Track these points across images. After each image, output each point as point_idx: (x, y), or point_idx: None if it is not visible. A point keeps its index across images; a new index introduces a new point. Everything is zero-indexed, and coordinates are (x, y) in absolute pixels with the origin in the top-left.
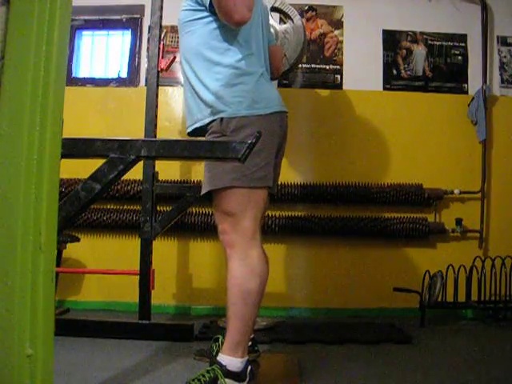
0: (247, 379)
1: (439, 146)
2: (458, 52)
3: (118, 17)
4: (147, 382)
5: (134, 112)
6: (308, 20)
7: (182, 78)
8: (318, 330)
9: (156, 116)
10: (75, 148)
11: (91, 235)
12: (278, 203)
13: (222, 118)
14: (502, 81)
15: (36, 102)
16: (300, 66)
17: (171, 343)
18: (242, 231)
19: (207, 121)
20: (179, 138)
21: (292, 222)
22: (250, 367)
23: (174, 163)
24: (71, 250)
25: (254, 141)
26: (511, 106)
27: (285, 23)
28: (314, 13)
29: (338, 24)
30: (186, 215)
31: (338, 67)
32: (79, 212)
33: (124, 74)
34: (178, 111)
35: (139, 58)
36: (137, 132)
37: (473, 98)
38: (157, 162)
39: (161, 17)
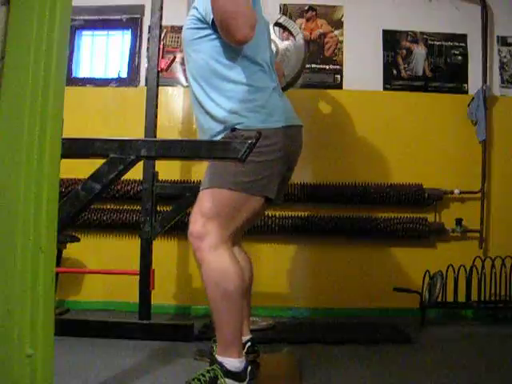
0: (247, 379)
1: (439, 146)
2: (457, 52)
3: (117, 17)
4: (147, 382)
5: (134, 112)
6: (308, 20)
7: (184, 82)
8: (318, 330)
9: (156, 116)
10: (75, 148)
11: (91, 235)
12: None
13: (234, 129)
14: (502, 81)
15: (36, 102)
16: None
17: (171, 343)
18: (219, 235)
19: (221, 136)
20: (179, 138)
21: (292, 221)
22: (249, 367)
23: (174, 163)
24: (71, 250)
25: (253, 141)
26: (511, 105)
27: (287, 39)
28: (313, 13)
29: (338, 24)
30: (186, 215)
31: (338, 67)
32: (79, 212)
33: (124, 74)
34: (177, 111)
35: (139, 58)
36: (137, 132)
37: (473, 98)
38: (157, 162)
39: (161, 17)
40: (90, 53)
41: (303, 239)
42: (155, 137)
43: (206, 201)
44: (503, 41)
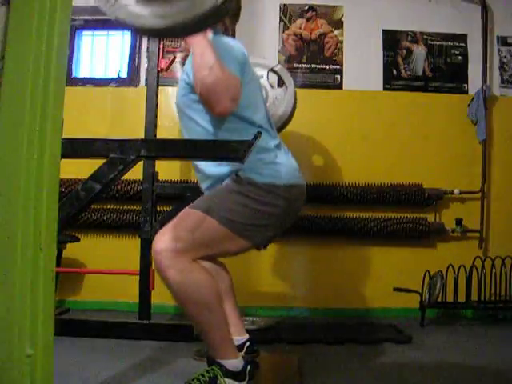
0: (247, 379)
1: (439, 146)
2: (457, 52)
3: None
4: (147, 382)
5: (134, 112)
6: (308, 20)
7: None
8: (317, 329)
9: (156, 116)
10: (75, 148)
11: (91, 235)
12: None
13: (237, 174)
14: (502, 81)
15: (36, 102)
16: (300, 65)
17: (171, 343)
18: (185, 255)
19: (227, 179)
20: (179, 138)
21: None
22: (248, 367)
23: (174, 163)
24: (71, 250)
25: (253, 141)
26: (511, 105)
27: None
28: (313, 13)
29: (338, 24)
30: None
31: (338, 67)
32: (79, 212)
33: (124, 74)
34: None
35: (139, 58)
36: (137, 132)
37: (473, 98)
38: (157, 162)
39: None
40: (90, 53)
41: (303, 239)
42: (155, 137)
43: (189, 221)
44: (503, 41)
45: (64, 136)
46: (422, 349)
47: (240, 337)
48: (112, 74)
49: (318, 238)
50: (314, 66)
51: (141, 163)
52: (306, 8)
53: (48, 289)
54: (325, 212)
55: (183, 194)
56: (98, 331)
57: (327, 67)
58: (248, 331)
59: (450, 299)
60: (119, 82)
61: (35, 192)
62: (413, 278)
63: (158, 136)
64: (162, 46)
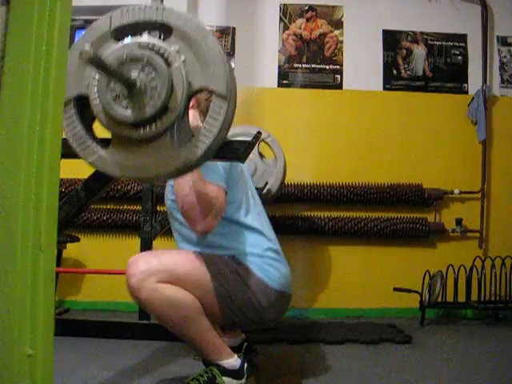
0: (245, 376)
1: (439, 145)
2: (457, 52)
3: None
4: (147, 382)
5: None
6: (308, 20)
7: None
8: (318, 330)
9: None
10: None
11: (91, 235)
12: (278, 203)
13: (233, 256)
14: (502, 81)
15: (36, 102)
16: (300, 65)
17: (171, 343)
18: (158, 279)
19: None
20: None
21: (292, 221)
22: (246, 364)
23: None
24: (71, 250)
25: (253, 141)
26: (511, 105)
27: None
28: (313, 13)
29: (338, 24)
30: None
31: (338, 67)
32: (79, 212)
33: None
34: None
35: None
36: None
37: (473, 98)
38: None
39: None
40: None
41: (303, 239)
42: None
43: (180, 255)
44: (503, 41)
45: (64, 136)
46: (422, 349)
47: (235, 338)
48: None
49: (317, 237)
50: (314, 65)
51: None
52: (306, 8)
53: (48, 289)
54: (325, 212)
55: None
56: (97, 331)
57: (327, 67)
58: (247, 331)
59: (450, 299)
60: None
61: (35, 192)
62: (413, 278)
63: None
64: None
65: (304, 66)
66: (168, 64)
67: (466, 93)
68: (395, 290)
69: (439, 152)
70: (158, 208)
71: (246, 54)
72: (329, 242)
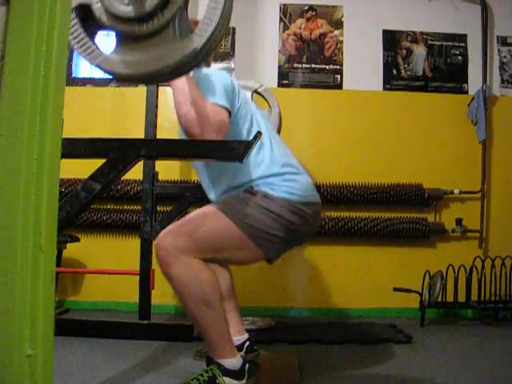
0: (246, 377)
1: (439, 145)
2: (457, 52)
3: None
4: (147, 382)
5: (134, 112)
6: (308, 20)
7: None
8: (317, 330)
9: (156, 116)
10: (75, 148)
11: (91, 235)
12: None
13: (252, 186)
14: (502, 81)
15: (36, 102)
16: (300, 65)
17: (171, 343)
18: (195, 254)
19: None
20: (179, 138)
21: None
22: (247, 365)
23: (174, 163)
24: (71, 250)
25: (253, 141)
26: (511, 105)
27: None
28: (314, 13)
29: (338, 24)
30: (186, 215)
31: (338, 67)
32: (79, 212)
33: None
34: None
35: None
36: (137, 132)
37: (473, 98)
38: (157, 162)
39: None
40: None
41: None
42: (155, 137)
43: (204, 219)
44: (503, 41)
45: (64, 136)
46: (422, 349)
47: (240, 336)
48: None
49: (317, 237)
50: (314, 66)
51: (141, 163)
52: (306, 8)
53: (48, 289)
54: (325, 212)
55: (183, 194)
56: (97, 331)
57: (327, 67)
58: (248, 331)
59: (450, 299)
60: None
61: (35, 192)
62: (413, 278)
63: (158, 136)
64: None
65: (304, 66)
66: None
67: (466, 93)
68: (395, 289)
69: (439, 152)
70: (157, 208)
71: (246, 54)
72: (329, 242)
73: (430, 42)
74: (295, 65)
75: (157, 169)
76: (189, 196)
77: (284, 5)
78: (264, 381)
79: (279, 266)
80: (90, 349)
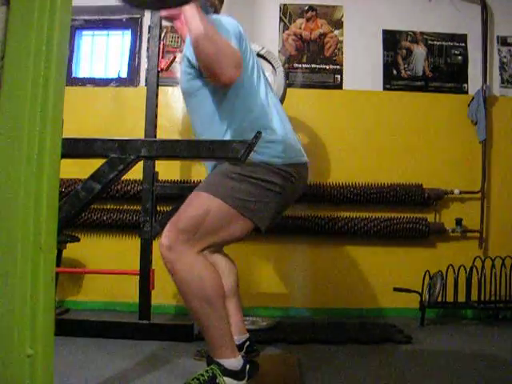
0: (246, 377)
1: (439, 145)
2: (458, 52)
3: (118, 17)
4: (147, 381)
5: (134, 112)
6: (308, 20)
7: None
8: (318, 330)
9: (156, 116)
10: (75, 148)
11: (91, 235)
12: None
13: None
14: (502, 81)
15: (36, 102)
16: (300, 65)
17: (171, 343)
18: (191, 246)
19: None
20: (179, 138)
21: (292, 222)
22: (248, 366)
23: (174, 163)
24: (71, 250)
25: (253, 141)
26: (511, 106)
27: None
28: (314, 13)
29: (338, 24)
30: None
31: (338, 67)
32: (79, 212)
33: (124, 74)
34: (178, 111)
35: (139, 58)
36: (137, 132)
37: (473, 98)
38: (157, 162)
39: (161, 17)
40: (90, 53)
41: (303, 239)
42: (155, 137)
43: (193, 206)
44: (503, 41)
45: (64, 136)
46: (422, 349)
47: (240, 336)
48: (112, 74)
49: (317, 237)
50: (314, 66)
51: (141, 163)
52: (306, 8)
53: (48, 289)
54: (325, 212)
55: (183, 194)
56: (97, 331)
57: (327, 67)
58: (248, 331)
59: (450, 299)
60: (119, 82)
61: (35, 192)
62: (413, 278)
63: (158, 136)
64: (162, 46)
65: (304, 66)
66: None
67: (466, 93)
68: (395, 289)
69: (439, 152)
70: (158, 208)
71: None
72: (329, 242)
73: (429, 42)
74: (295, 65)
75: (157, 169)
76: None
77: (284, 5)
78: (264, 381)
79: (279, 265)
80: (90, 349)
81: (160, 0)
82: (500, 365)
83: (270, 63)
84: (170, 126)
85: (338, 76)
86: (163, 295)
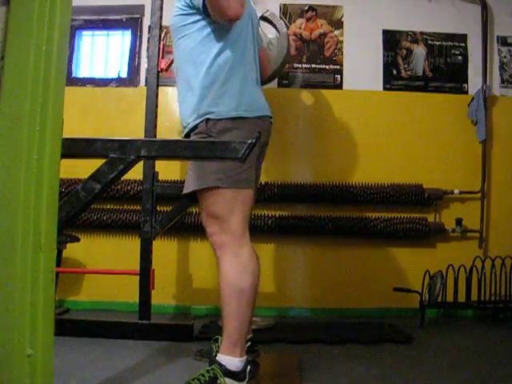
0: (247, 379)
1: (439, 145)
2: (457, 52)
3: (118, 17)
4: (147, 381)
5: (134, 112)
6: (308, 20)
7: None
8: (318, 330)
9: (156, 116)
10: (75, 148)
11: (91, 235)
12: (278, 203)
13: (207, 119)
14: (502, 81)
15: (36, 102)
16: (300, 65)
17: (171, 343)
18: (232, 232)
19: (196, 123)
20: (179, 138)
21: (292, 222)
22: (249, 367)
23: (174, 163)
24: (71, 250)
25: (253, 141)
26: (511, 105)
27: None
28: (314, 13)
29: (338, 24)
30: (186, 215)
31: (338, 67)
32: (79, 212)
33: (124, 74)
34: (178, 111)
35: (139, 58)
36: (137, 132)
37: (473, 98)
38: (157, 162)
39: (161, 17)
40: (90, 53)
41: (303, 239)
42: (155, 137)
43: (209, 204)
44: (503, 41)
45: (64, 136)
46: (422, 349)
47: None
48: (112, 73)
49: (318, 237)
50: (314, 66)
51: (141, 163)
52: (306, 8)
53: (48, 289)
54: (325, 212)
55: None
56: (98, 331)
57: (327, 67)
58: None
59: (450, 299)
60: (119, 81)
61: (35, 192)
62: (413, 278)
63: (158, 136)
64: (162, 46)
65: (304, 66)
66: None
67: (466, 93)
68: (395, 289)
69: (439, 152)
70: (158, 208)
71: None
72: (329, 242)
73: (429, 42)
74: (295, 65)
75: (157, 169)
76: (188, 196)
77: (284, 5)
78: (264, 381)
79: (279, 265)
80: (90, 349)
81: None
82: (500, 365)
83: (274, 25)
84: (169, 126)
85: (338, 76)
86: (163, 295)
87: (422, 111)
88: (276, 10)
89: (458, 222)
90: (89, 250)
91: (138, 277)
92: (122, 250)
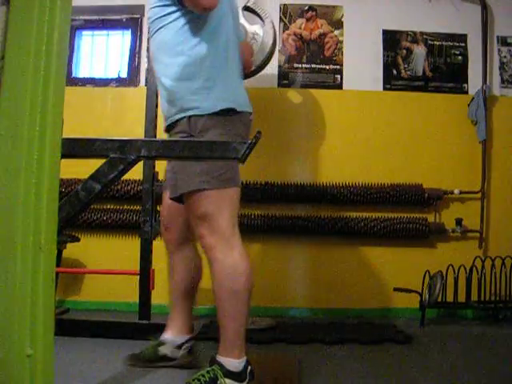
0: (247, 379)
1: (439, 146)
2: (457, 52)
3: (117, 17)
4: (147, 381)
5: (134, 112)
6: (308, 20)
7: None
8: (318, 330)
9: (156, 116)
10: (75, 148)
11: (91, 235)
12: (278, 203)
13: (190, 117)
14: (502, 81)
15: (36, 102)
16: (300, 65)
17: None
18: (221, 233)
19: (176, 117)
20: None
21: (292, 222)
22: (249, 367)
23: None
24: (71, 250)
25: (254, 141)
26: (511, 105)
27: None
28: (314, 13)
29: (338, 24)
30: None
31: (338, 67)
32: (79, 212)
33: (124, 74)
34: None
35: (139, 58)
36: (137, 132)
37: (473, 98)
38: (157, 162)
39: None
40: (90, 53)
41: (303, 239)
42: (155, 137)
43: (197, 207)
44: (503, 41)
45: (64, 136)
46: (422, 349)
47: (183, 335)
48: (112, 74)
49: (317, 237)
50: (313, 66)
51: (141, 163)
52: (306, 8)
53: (48, 289)
54: (325, 212)
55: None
56: (97, 331)
57: (327, 67)
58: (248, 331)
59: (450, 299)
60: (119, 82)
61: (35, 192)
62: (413, 278)
63: (158, 136)
64: None
65: (304, 65)
66: None
67: (466, 93)
68: (395, 289)
69: (439, 152)
70: (158, 208)
71: None
72: (329, 242)
73: (429, 42)
74: (295, 65)
75: (157, 169)
76: None
77: (284, 5)
78: (264, 381)
79: (279, 265)
80: (90, 349)
81: None
82: (500, 365)
83: (258, 14)
84: None
85: (338, 76)
86: (163, 295)
87: (422, 111)
88: (276, 10)
89: (458, 222)
90: (89, 250)
91: (138, 277)
92: (122, 250)
